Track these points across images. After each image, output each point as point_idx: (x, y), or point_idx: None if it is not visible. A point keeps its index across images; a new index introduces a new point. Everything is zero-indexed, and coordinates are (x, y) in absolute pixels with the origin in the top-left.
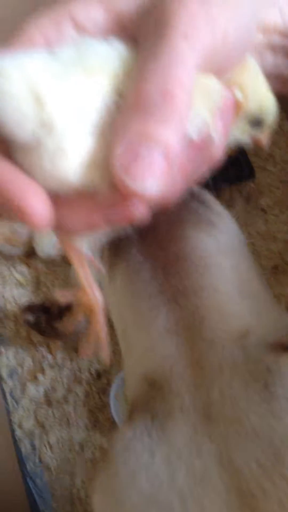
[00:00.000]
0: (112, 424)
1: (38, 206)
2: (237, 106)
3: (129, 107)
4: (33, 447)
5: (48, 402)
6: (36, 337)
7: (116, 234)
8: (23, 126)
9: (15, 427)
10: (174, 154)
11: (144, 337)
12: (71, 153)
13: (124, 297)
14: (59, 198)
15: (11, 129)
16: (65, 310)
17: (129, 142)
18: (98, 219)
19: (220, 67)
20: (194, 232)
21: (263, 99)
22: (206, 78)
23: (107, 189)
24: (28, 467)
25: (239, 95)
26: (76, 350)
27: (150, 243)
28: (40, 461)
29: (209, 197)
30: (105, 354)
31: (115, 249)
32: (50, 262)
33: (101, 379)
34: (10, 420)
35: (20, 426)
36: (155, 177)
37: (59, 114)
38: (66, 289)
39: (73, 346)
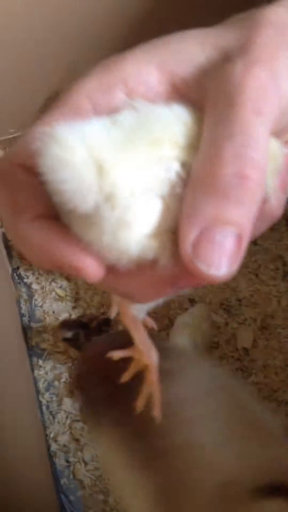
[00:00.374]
0: None
1: (91, 263)
2: None
3: (200, 186)
4: (68, 462)
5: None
6: (73, 351)
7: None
8: (84, 197)
9: (51, 441)
10: (248, 234)
11: (135, 504)
12: (134, 225)
13: (107, 464)
14: (118, 269)
15: (71, 199)
16: (104, 325)
17: (203, 226)
18: (161, 290)
19: (283, 129)
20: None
21: None
22: (270, 142)
23: (169, 259)
24: (62, 482)
25: None
26: None
27: (118, 406)
28: (74, 477)
29: (167, 345)
30: (157, 412)
31: (90, 415)
32: None
33: None
34: (46, 435)
35: (55, 440)
36: (229, 261)
37: (123, 184)
38: (105, 304)
39: None
